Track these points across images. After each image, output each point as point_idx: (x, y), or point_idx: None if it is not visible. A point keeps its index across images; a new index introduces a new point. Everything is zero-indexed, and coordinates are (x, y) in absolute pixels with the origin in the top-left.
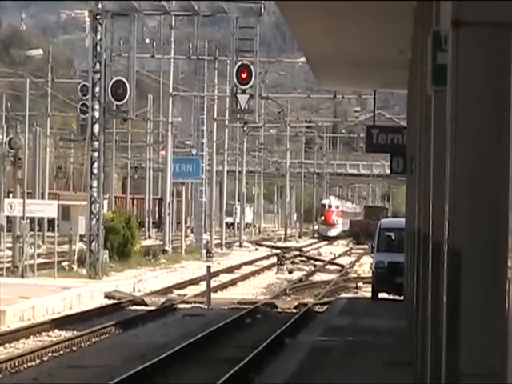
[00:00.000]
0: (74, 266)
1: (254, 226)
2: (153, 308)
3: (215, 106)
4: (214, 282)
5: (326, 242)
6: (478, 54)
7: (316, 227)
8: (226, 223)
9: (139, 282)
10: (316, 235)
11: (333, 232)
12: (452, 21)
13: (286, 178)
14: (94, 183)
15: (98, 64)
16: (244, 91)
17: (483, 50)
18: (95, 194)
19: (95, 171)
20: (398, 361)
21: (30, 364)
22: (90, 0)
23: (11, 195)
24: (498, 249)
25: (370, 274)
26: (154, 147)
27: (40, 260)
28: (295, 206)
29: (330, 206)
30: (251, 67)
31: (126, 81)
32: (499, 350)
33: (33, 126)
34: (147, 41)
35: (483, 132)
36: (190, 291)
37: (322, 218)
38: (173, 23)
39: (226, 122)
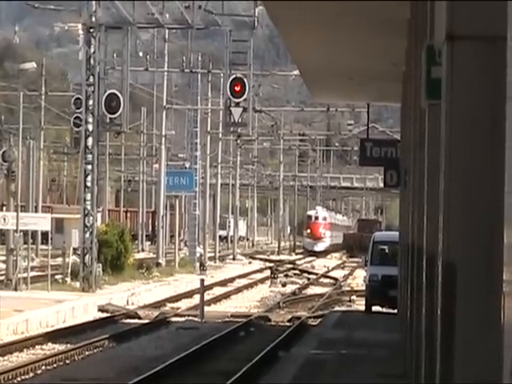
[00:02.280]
0: (68, 279)
1: (248, 239)
2: (146, 321)
3: (209, 119)
4: (207, 295)
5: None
6: (473, 68)
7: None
8: (220, 236)
9: (133, 295)
10: (301, 250)
11: (320, 246)
12: (446, 35)
13: (280, 191)
14: (88, 196)
15: (91, 77)
16: (237, 104)
17: (477, 64)
18: (89, 207)
19: (89, 184)
20: (392, 373)
21: (23, 377)
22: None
23: (5, 208)
24: (492, 261)
25: (364, 287)
26: (148, 160)
27: (33, 273)
28: (289, 219)
29: (316, 218)
30: (245, 80)
31: (119, 94)
32: (493, 363)
33: (26, 139)
34: (141, 54)
35: (477, 145)
36: (184, 304)
37: (308, 230)
38: (166, 36)
39: (220, 135)
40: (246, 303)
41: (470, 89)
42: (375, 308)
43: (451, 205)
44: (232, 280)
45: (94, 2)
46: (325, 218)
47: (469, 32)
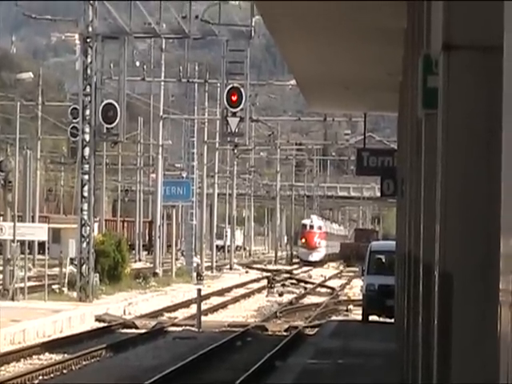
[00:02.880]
0: (65, 289)
1: (245, 249)
2: (143, 331)
3: (205, 129)
4: (204, 305)
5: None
6: (469, 78)
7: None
8: (217, 246)
9: (130, 304)
10: (295, 260)
11: (315, 256)
12: (443, 44)
13: (277, 200)
14: (85, 206)
15: (88, 87)
16: (234, 114)
17: (474, 74)
18: (86, 217)
19: (85, 194)
20: (388, 383)
21: None
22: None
23: (1, 218)
24: (489, 271)
25: (361, 297)
26: (145, 170)
27: (30, 283)
28: (285, 228)
29: (311, 227)
30: (241, 90)
31: (116, 104)
32: (490, 373)
33: (23, 149)
34: (137, 64)
35: (474, 155)
36: (181, 314)
37: (303, 240)
38: (163, 46)
39: (217, 145)
40: (242, 313)
41: (467, 98)
42: (372, 317)
43: (448, 214)
44: (229, 290)
45: (90, 12)
46: (320, 227)
47: (465, 42)
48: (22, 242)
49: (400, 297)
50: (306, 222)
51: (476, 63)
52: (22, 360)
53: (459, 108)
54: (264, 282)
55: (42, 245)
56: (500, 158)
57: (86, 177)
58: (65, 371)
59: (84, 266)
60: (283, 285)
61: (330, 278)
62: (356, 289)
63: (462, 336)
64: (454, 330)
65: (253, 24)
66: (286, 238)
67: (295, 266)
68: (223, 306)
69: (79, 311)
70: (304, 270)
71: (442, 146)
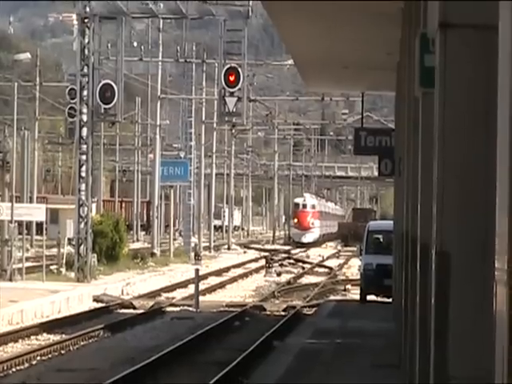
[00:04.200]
0: (63, 270)
1: (243, 229)
2: (141, 311)
3: (203, 109)
4: (202, 285)
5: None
6: (465, 56)
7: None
8: (215, 226)
9: (128, 285)
10: (288, 241)
11: (308, 237)
12: (439, 23)
13: (274, 180)
14: (83, 186)
15: (85, 67)
16: (232, 94)
17: (470, 52)
18: (83, 198)
19: (83, 174)
20: (386, 363)
21: (18, 368)
22: (79, 0)
23: None
24: (486, 250)
25: (359, 277)
26: (143, 150)
27: (28, 263)
28: (283, 208)
29: (304, 206)
30: (239, 70)
31: (113, 84)
32: (487, 352)
33: (21, 130)
34: (135, 44)
35: (471, 133)
36: (179, 294)
37: (295, 220)
38: (161, 26)
39: (214, 125)
40: (240, 293)
41: (463, 77)
42: (370, 297)
43: (445, 193)
44: (227, 270)
45: None
46: (314, 206)
47: (461, 20)
48: (20, 223)
49: (398, 276)
50: (299, 200)
51: (472, 41)
52: (20, 340)
53: (456, 86)
54: (262, 262)
55: (39, 225)
56: (496, 136)
57: (84, 157)
58: (63, 352)
59: (82, 247)
60: (281, 265)
61: (327, 258)
62: (354, 268)
63: (459, 315)
64: (451, 309)
65: (250, 4)
66: (283, 217)
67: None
68: (221, 286)
69: (77, 292)
70: (302, 250)
71: (439, 124)
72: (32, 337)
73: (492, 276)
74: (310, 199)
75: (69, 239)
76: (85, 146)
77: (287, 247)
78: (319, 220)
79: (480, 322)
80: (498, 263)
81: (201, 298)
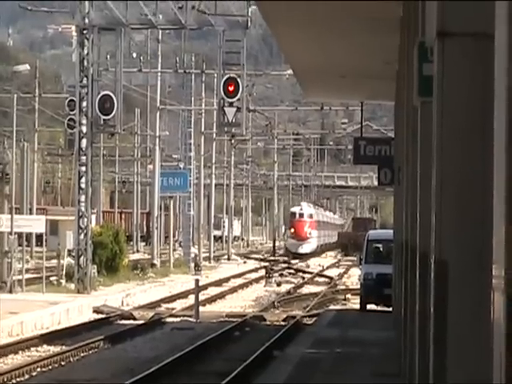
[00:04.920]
0: (63, 281)
1: (243, 239)
2: (141, 322)
3: (202, 120)
4: (202, 296)
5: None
6: (464, 65)
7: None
8: (214, 236)
9: (128, 296)
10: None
11: (305, 248)
12: (437, 32)
13: (274, 190)
14: (82, 198)
15: (85, 79)
16: (231, 104)
17: (468, 60)
18: (83, 209)
19: (83, 186)
20: (386, 372)
21: (18, 379)
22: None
23: None
24: (483, 258)
25: (359, 286)
26: (142, 161)
27: (28, 275)
28: (283, 218)
29: (301, 215)
30: (238, 80)
31: (113, 95)
32: (486, 360)
33: (20, 142)
34: (134, 55)
35: (468, 143)
36: (179, 305)
37: (292, 230)
38: (159, 37)
39: (214, 136)
40: (240, 303)
41: (462, 85)
42: (370, 306)
43: (443, 202)
44: (227, 280)
45: (87, 4)
46: (311, 216)
47: (459, 29)
48: (20, 234)
49: (397, 285)
50: (295, 209)
51: (470, 50)
52: (20, 352)
53: (454, 95)
54: (262, 272)
55: (39, 237)
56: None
57: (84, 168)
58: (63, 363)
59: (82, 258)
60: (281, 274)
61: (327, 268)
62: (354, 278)
63: (457, 323)
64: (450, 318)
65: (249, 14)
66: (283, 227)
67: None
68: (221, 296)
69: (77, 303)
70: (302, 260)
71: (437, 133)
72: (32, 348)
73: (489, 284)
74: (306, 208)
75: (69, 250)
76: (84, 158)
77: (287, 257)
78: (317, 230)
79: (478, 329)
80: (496, 271)
81: (201, 309)
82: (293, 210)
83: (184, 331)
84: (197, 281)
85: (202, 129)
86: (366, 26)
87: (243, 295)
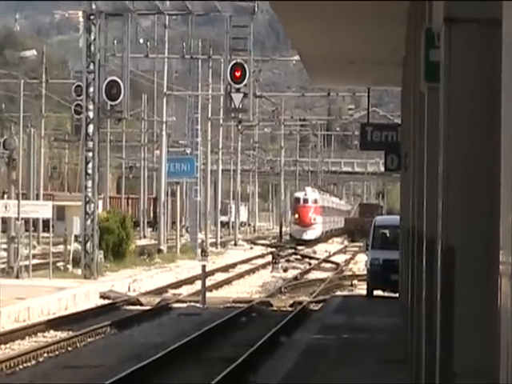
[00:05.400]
0: (69, 267)
1: (249, 225)
2: (148, 308)
3: (209, 105)
4: (209, 281)
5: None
6: (470, 51)
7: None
8: (221, 222)
9: (134, 281)
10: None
11: (309, 234)
12: (444, 18)
13: (281, 176)
14: (89, 183)
15: (91, 64)
16: (238, 90)
17: (475, 47)
18: (90, 195)
19: (90, 171)
20: (393, 358)
21: (25, 365)
22: (84, 0)
23: (6, 196)
24: (491, 245)
25: (365, 272)
26: (149, 147)
27: (35, 261)
28: (290, 204)
29: (305, 201)
30: (245, 66)
31: (120, 81)
32: (493, 348)
33: (27, 127)
34: (141, 41)
35: (476, 128)
36: (185, 290)
37: (296, 216)
38: (166, 23)
39: (221, 121)
40: (247, 289)
41: (468, 71)
42: (377, 292)
43: (450, 189)
44: (233, 266)
45: None
46: (315, 201)
47: (466, 15)
48: (27, 220)
49: (404, 271)
50: (299, 194)
51: (477, 36)
52: (27, 338)
53: (460, 81)
54: (269, 258)
55: (46, 222)
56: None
57: (90, 154)
58: (70, 348)
59: (88, 244)
60: (288, 260)
61: (334, 254)
62: (360, 264)
63: (464, 310)
64: (457, 305)
65: (256, 0)
66: (290, 213)
67: None
68: (228, 281)
69: (84, 288)
70: (308, 246)
71: (444, 119)
72: (39, 334)
73: (497, 270)
74: (311, 193)
75: (75, 236)
76: (91, 143)
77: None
78: (322, 216)
79: (485, 316)
80: (503, 257)
81: (207, 294)
82: (297, 195)
83: (191, 317)
84: (203, 266)
85: (209, 114)
86: (373, 12)
87: (250, 281)
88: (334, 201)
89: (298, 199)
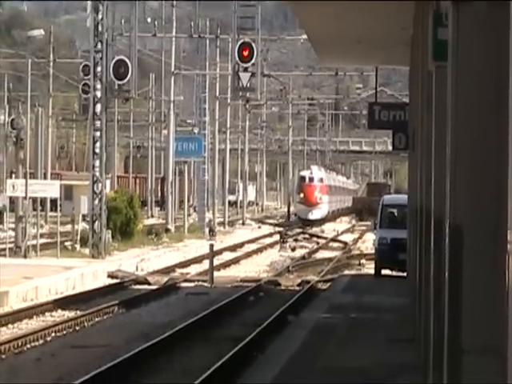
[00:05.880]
0: (77, 246)
1: (257, 204)
2: (156, 287)
3: (217, 85)
4: (216, 261)
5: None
6: (478, 29)
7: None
8: (229, 201)
9: (142, 261)
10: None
11: (315, 214)
12: None
13: (289, 155)
14: (97, 163)
15: (99, 44)
16: (246, 69)
17: (483, 25)
18: (97, 174)
19: (97, 151)
20: (401, 337)
21: (33, 344)
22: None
23: (14, 176)
24: (498, 223)
25: (373, 251)
26: (156, 126)
27: (43, 240)
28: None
29: (311, 180)
30: (253, 45)
31: (127, 60)
32: (500, 326)
33: (35, 107)
34: (149, 20)
35: (483, 107)
36: (193, 270)
37: (301, 195)
38: (174, 2)
39: (228, 100)
40: (255, 268)
41: (476, 49)
42: (385, 271)
43: (458, 168)
44: (241, 245)
45: None
46: (321, 180)
47: None
48: (34, 199)
49: (412, 250)
50: (305, 173)
51: (485, 15)
52: (35, 317)
53: (468, 59)
54: (276, 237)
55: (54, 202)
56: (509, 109)
57: (98, 133)
58: (77, 328)
59: (96, 223)
60: (296, 239)
61: (342, 233)
62: (368, 243)
63: (472, 288)
64: (465, 283)
65: None
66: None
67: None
68: (235, 261)
69: (91, 268)
70: (316, 225)
71: (452, 98)
72: (47, 313)
73: (505, 249)
74: (317, 172)
75: (83, 215)
76: (99, 123)
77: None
78: (328, 195)
79: (492, 294)
80: (511, 236)
81: (215, 274)
82: (302, 173)
83: (198, 296)
84: (211, 246)
85: (217, 94)
86: None
87: (258, 260)
88: (340, 180)
89: (303, 178)
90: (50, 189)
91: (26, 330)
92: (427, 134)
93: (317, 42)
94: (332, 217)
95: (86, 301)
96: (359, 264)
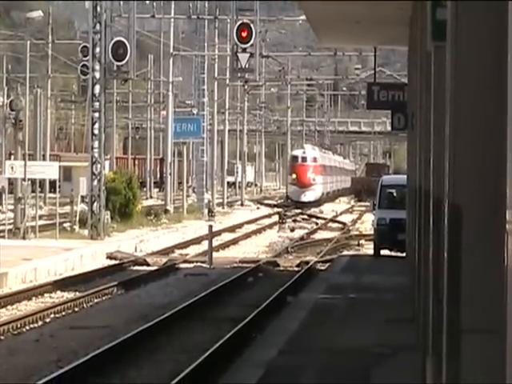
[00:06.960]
0: (76, 227)
1: (256, 185)
2: (155, 268)
3: (216, 66)
4: (215, 241)
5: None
6: (477, 9)
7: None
8: (228, 182)
9: (141, 242)
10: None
11: (308, 196)
12: None
13: (288, 136)
14: (95, 144)
15: (98, 25)
16: (244, 50)
17: (482, 5)
18: (96, 155)
19: (96, 132)
20: (400, 318)
21: (32, 325)
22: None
23: (12, 157)
24: (497, 203)
25: (372, 231)
26: (155, 107)
27: (42, 221)
28: None
29: (304, 159)
30: (251, 26)
31: (126, 41)
32: (500, 306)
33: (33, 88)
34: (147, 1)
35: (483, 87)
36: (192, 251)
37: (293, 176)
38: None
39: (227, 81)
40: (254, 249)
41: (475, 30)
42: (384, 252)
43: (456, 147)
44: (240, 226)
45: None
46: (315, 160)
47: None
48: (33, 181)
49: (411, 230)
50: (297, 153)
51: None
52: (34, 298)
53: (467, 39)
54: (275, 218)
55: (53, 183)
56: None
57: (97, 114)
58: (76, 309)
59: (95, 204)
60: (294, 220)
61: (341, 213)
62: (367, 223)
63: (471, 268)
64: (464, 263)
65: None
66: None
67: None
68: (234, 242)
69: (90, 249)
70: (315, 206)
71: (451, 78)
72: (45, 295)
73: (503, 228)
74: (310, 151)
75: (82, 197)
76: (97, 104)
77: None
78: (322, 175)
79: (492, 275)
80: (510, 216)
81: (214, 255)
82: (294, 153)
83: (197, 277)
84: (210, 227)
85: (216, 75)
86: None
87: (256, 241)
88: (337, 159)
89: (295, 157)
90: (49, 170)
91: (25, 312)
92: (426, 114)
93: (315, 23)
94: (327, 198)
95: (85, 282)
96: (358, 244)
